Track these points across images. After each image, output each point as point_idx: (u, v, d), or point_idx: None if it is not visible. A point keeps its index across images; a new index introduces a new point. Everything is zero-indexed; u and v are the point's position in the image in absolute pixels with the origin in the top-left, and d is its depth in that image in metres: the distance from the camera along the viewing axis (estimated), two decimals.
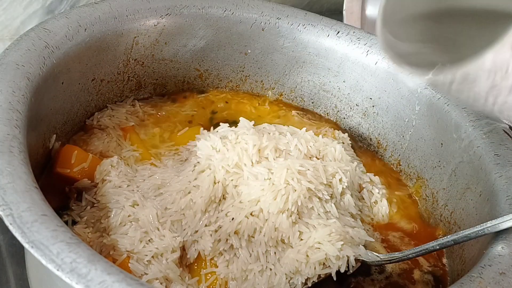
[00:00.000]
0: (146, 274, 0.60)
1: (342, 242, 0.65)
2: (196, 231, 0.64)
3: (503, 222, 0.58)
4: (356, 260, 0.66)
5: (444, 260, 0.73)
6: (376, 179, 0.80)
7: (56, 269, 0.44)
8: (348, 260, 0.64)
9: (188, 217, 0.65)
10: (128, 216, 0.63)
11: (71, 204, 0.67)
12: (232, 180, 0.67)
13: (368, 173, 0.80)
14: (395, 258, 0.66)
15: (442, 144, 0.78)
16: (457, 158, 0.75)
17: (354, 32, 0.87)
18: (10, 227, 0.46)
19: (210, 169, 0.68)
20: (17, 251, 0.73)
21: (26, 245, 0.45)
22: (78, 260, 0.45)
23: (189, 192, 0.66)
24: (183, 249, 0.64)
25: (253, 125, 0.76)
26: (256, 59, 0.89)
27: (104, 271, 0.44)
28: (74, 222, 0.65)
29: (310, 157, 0.72)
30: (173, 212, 0.65)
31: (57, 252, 0.45)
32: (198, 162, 0.69)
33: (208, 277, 0.63)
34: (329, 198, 0.69)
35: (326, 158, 0.73)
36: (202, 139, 0.71)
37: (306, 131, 0.77)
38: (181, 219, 0.65)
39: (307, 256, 0.64)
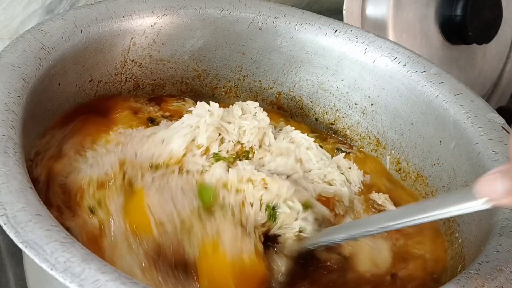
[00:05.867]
0: None
1: None
2: None
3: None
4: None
5: None
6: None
7: (50, 269, 0.44)
8: None
9: None
10: None
11: None
12: None
13: None
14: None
15: (440, 141, 0.78)
16: (456, 155, 0.75)
17: (351, 30, 0.86)
18: (5, 227, 0.46)
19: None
20: (17, 251, 0.73)
21: (20, 245, 0.45)
22: (72, 259, 0.45)
23: None
24: None
25: None
26: (254, 59, 0.89)
27: (98, 270, 0.44)
28: None
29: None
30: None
31: (51, 251, 0.45)
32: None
33: None
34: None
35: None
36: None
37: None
38: None
39: None
